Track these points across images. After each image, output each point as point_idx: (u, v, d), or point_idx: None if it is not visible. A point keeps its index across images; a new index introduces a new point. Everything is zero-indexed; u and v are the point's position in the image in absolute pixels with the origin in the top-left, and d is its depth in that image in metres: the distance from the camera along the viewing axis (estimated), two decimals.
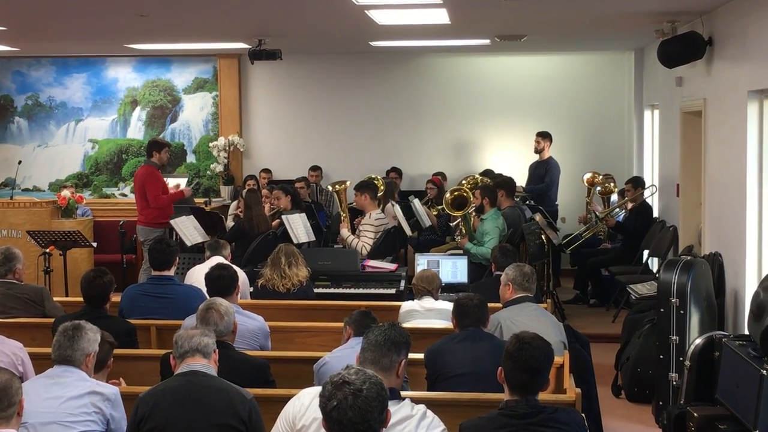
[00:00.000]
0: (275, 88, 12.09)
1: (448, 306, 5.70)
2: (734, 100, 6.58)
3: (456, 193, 8.68)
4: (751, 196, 6.26)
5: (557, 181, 10.57)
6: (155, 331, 5.77)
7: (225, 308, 4.52)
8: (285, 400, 3.56)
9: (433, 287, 5.82)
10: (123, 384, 4.56)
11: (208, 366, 3.84)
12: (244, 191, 9.60)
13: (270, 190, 9.64)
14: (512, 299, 5.28)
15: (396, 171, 11.42)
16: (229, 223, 9.78)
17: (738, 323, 6.41)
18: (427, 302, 5.80)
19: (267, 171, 11.63)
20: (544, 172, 10.49)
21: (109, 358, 4.40)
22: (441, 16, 7.83)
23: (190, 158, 12.16)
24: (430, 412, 3.36)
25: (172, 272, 6.09)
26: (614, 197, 10.57)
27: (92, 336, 4.08)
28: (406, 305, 5.90)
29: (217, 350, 3.96)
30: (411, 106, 11.90)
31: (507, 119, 11.73)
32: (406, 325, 5.36)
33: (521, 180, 10.56)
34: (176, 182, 9.68)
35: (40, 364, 4.49)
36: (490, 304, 4.94)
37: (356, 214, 9.06)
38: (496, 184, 8.82)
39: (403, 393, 3.50)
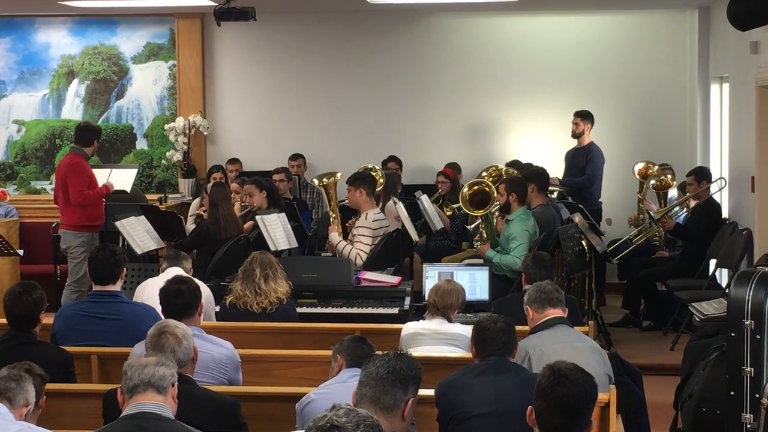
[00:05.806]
0: (247, 57, 12.09)
1: (463, 331, 5.70)
2: None
3: (476, 187, 8.67)
4: None
5: (601, 174, 10.58)
6: (97, 361, 5.77)
7: (182, 330, 4.54)
8: None
9: (447, 305, 5.83)
10: None
11: (162, 406, 3.83)
12: (209, 186, 9.60)
13: (241, 184, 9.64)
14: (541, 323, 5.29)
15: (398, 161, 11.42)
16: (190, 225, 9.79)
17: None
18: (437, 324, 5.82)
19: (236, 161, 11.62)
20: (585, 162, 10.50)
21: (40, 396, 4.39)
22: None
23: (141, 144, 12.16)
24: None
25: (118, 287, 6.09)
26: (673, 193, 10.56)
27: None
28: (409, 327, 5.95)
29: (176, 384, 3.96)
30: (417, 80, 11.90)
31: (538, 96, 11.73)
32: (410, 352, 5.36)
33: (556, 172, 10.57)
34: (120, 175, 9.57)
35: None
36: (518, 328, 4.94)
37: (349, 214, 9.06)
38: (525, 177, 8.82)
39: None
